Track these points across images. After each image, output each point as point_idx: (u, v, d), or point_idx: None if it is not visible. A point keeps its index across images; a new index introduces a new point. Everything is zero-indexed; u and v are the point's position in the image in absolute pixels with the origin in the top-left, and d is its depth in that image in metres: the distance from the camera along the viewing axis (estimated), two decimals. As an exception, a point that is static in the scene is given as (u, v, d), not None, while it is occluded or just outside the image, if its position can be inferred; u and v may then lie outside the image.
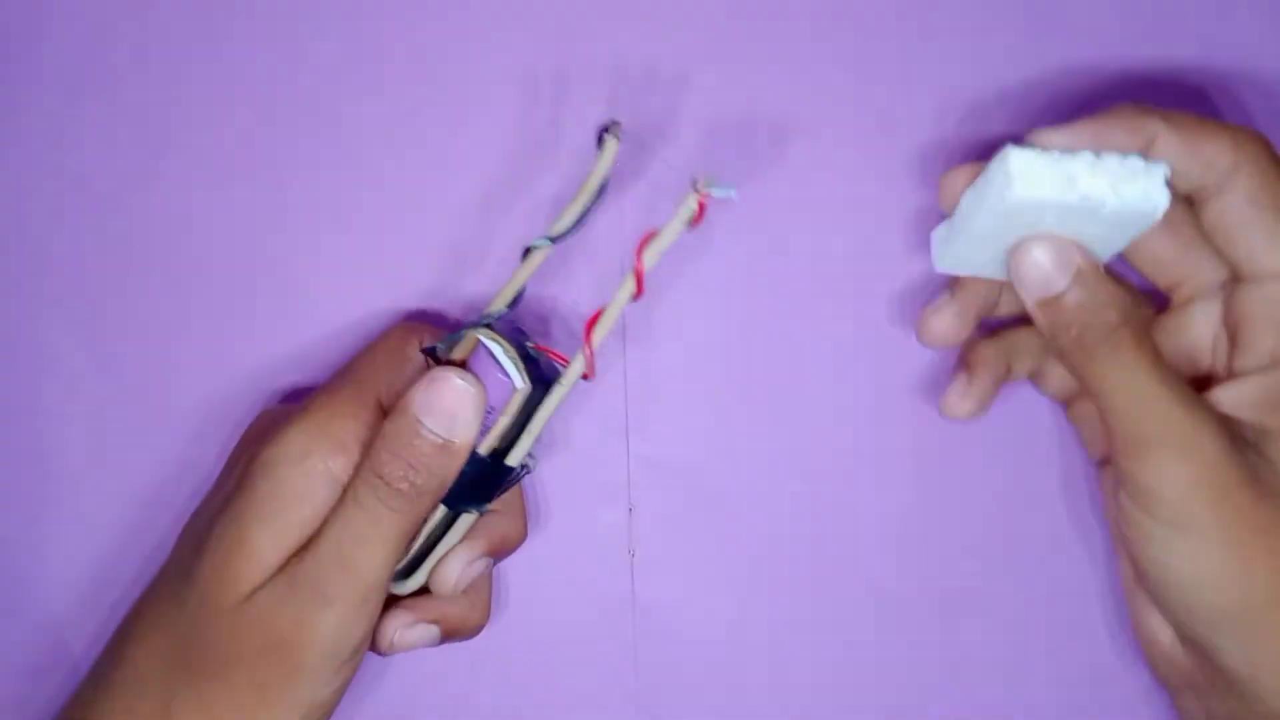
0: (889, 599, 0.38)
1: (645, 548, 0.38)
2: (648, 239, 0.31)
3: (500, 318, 0.33)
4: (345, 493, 0.32)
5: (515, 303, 0.33)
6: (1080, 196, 0.30)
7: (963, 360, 0.36)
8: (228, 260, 0.38)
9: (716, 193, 0.30)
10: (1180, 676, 0.34)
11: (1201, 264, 0.33)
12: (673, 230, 0.31)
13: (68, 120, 0.38)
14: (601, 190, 0.32)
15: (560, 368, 0.33)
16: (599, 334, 0.32)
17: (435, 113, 0.38)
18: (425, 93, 0.38)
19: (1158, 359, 0.31)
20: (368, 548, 0.31)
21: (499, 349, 0.33)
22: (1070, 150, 0.30)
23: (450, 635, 0.35)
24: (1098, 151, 0.30)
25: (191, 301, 0.38)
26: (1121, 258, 0.34)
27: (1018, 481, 0.38)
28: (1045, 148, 0.30)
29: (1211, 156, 0.31)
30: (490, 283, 0.38)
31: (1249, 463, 0.30)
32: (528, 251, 0.33)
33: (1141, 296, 0.35)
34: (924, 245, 0.38)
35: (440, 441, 0.32)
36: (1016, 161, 0.30)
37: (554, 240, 0.32)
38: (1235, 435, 0.31)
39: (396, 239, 0.38)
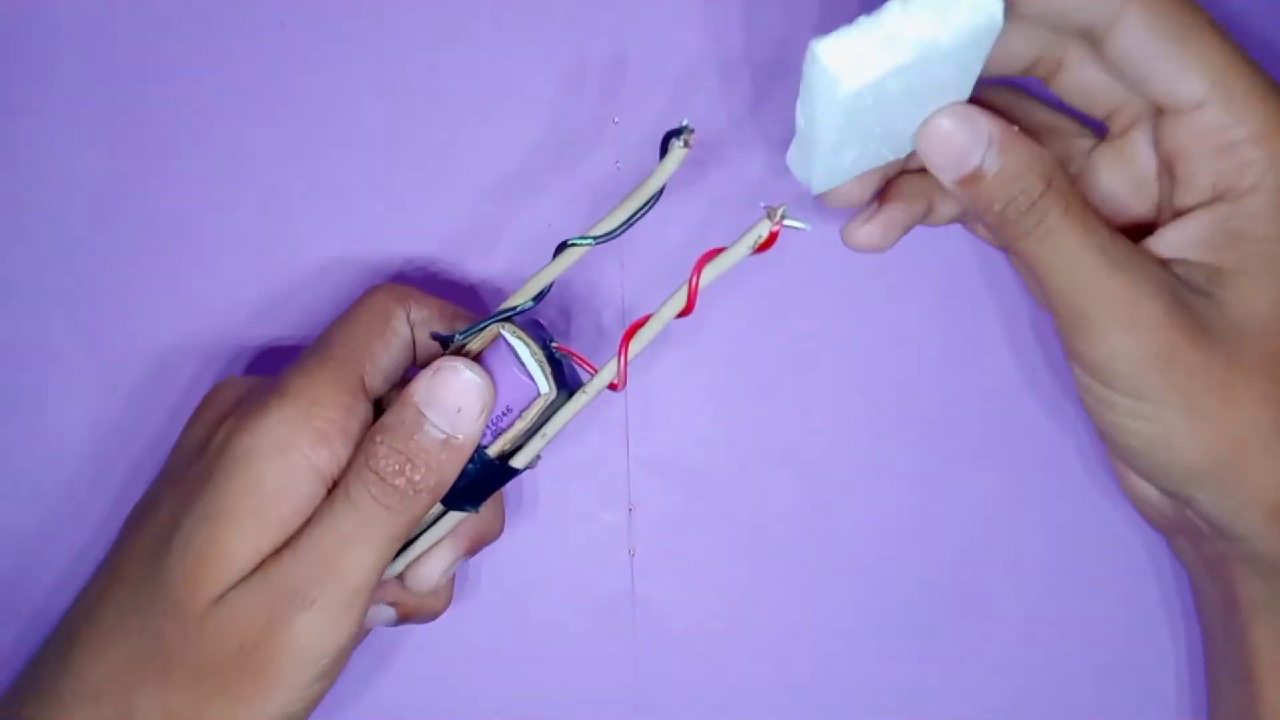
0: (888, 598, 0.38)
1: (645, 548, 0.38)
2: (709, 257, 0.29)
3: (523, 312, 0.31)
4: (335, 488, 0.30)
5: (540, 298, 0.31)
6: (912, 49, 0.27)
7: (880, 191, 0.33)
8: (228, 260, 0.38)
9: (789, 224, 0.28)
10: (1170, 524, 0.35)
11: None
12: (737, 254, 0.29)
13: (68, 120, 0.38)
14: (656, 197, 0.30)
15: (582, 372, 0.31)
16: (637, 345, 0.30)
17: (444, 104, 0.38)
18: (434, 86, 0.38)
19: (1088, 222, 0.29)
20: (356, 549, 0.29)
21: (524, 348, 0.31)
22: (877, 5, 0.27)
23: (407, 619, 0.34)
24: None
25: (193, 300, 0.38)
26: (1052, 92, 0.33)
27: (1018, 481, 0.38)
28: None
29: (1197, 57, 0.29)
30: (459, 271, 0.38)
31: (1196, 314, 0.29)
32: (563, 246, 0.30)
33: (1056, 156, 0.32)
34: (927, 241, 0.38)
35: (443, 437, 0.29)
36: (828, 54, 0.27)
37: (596, 240, 0.30)
38: (1179, 288, 0.29)
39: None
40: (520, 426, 0.31)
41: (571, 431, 0.38)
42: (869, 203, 0.33)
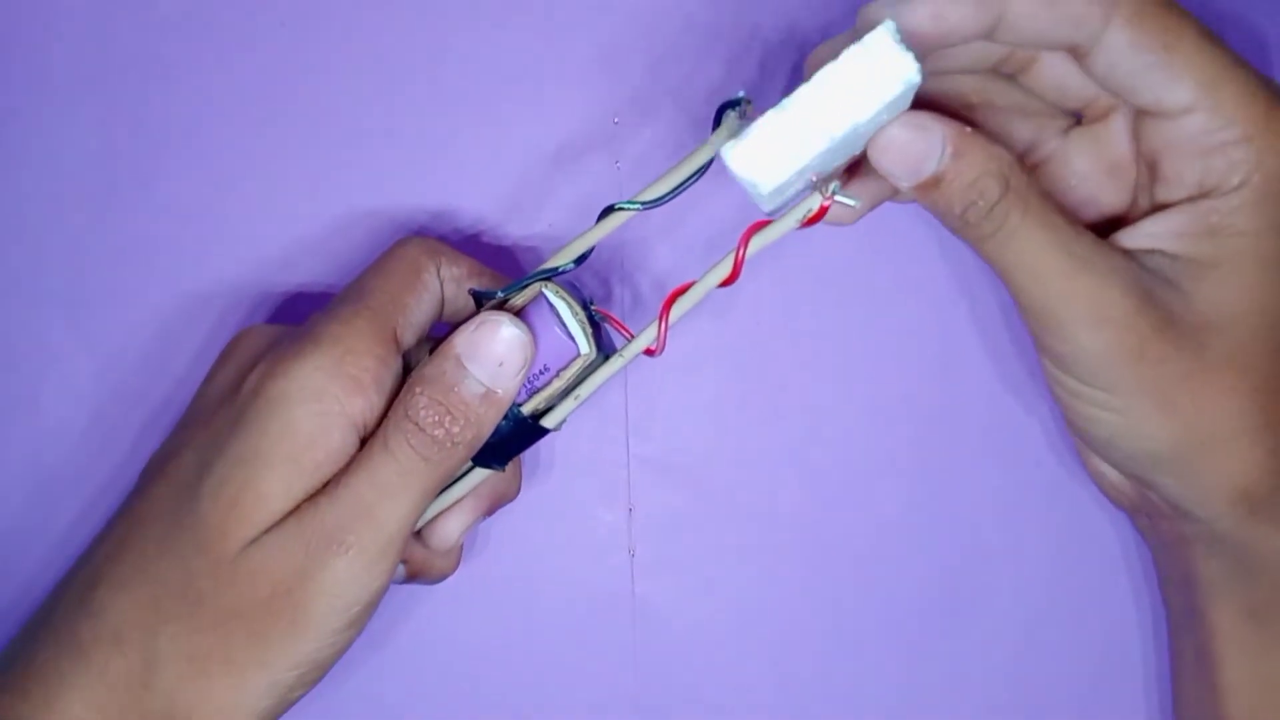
0: (888, 598, 0.38)
1: (645, 548, 0.38)
2: (757, 227, 0.29)
3: (564, 273, 0.30)
4: (374, 438, 0.30)
5: (581, 260, 0.30)
6: (826, 137, 0.26)
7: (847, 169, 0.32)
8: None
9: (840, 199, 0.28)
10: (1132, 504, 0.35)
11: None
12: (785, 225, 0.29)
13: (68, 120, 0.38)
14: (705, 167, 0.29)
15: (617, 336, 0.31)
16: (679, 311, 0.30)
17: (445, 103, 0.38)
18: (434, 84, 0.38)
19: (1049, 220, 0.29)
20: (394, 498, 0.29)
21: (565, 308, 0.30)
22: (786, 95, 0.26)
23: (415, 578, 0.34)
24: (811, 74, 0.26)
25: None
26: (1024, 87, 0.32)
27: (1018, 481, 0.38)
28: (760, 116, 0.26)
29: (1077, 14, 0.28)
30: (483, 257, 0.38)
31: (1165, 307, 0.29)
32: (609, 210, 0.30)
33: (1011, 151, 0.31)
34: (926, 239, 0.38)
35: (484, 390, 0.29)
36: (738, 164, 0.27)
37: (644, 206, 0.29)
38: (1148, 282, 0.29)
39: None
40: (557, 386, 0.31)
41: (572, 431, 0.38)
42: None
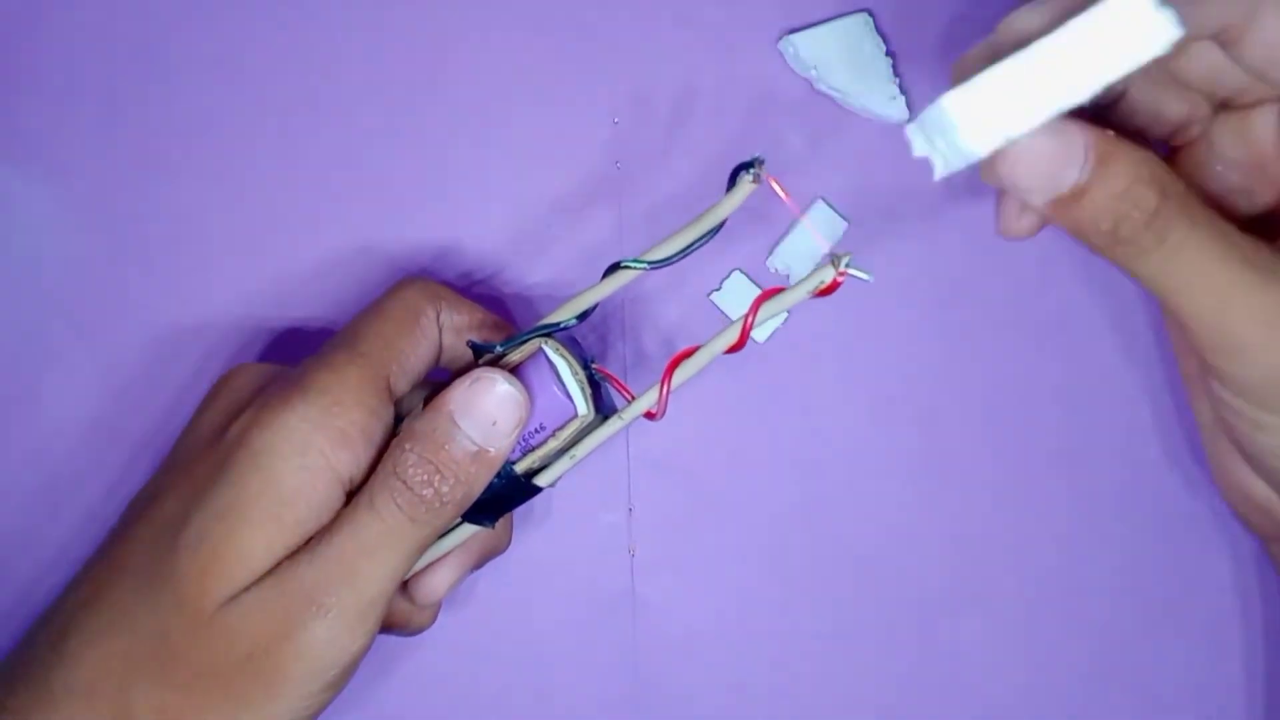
0: (888, 598, 0.38)
1: (645, 548, 0.38)
2: (768, 296, 0.28)
3: (565, 329, 0.30)
4: (360, 494, 0.29)
5: (584, 317, 0.30)
6: (1071, 97, 0.23)
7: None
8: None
9: (854, 273, 0.28)
10: (1275, 527, 0.32)
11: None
12: (796, 296, 0.28)
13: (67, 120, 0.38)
14: (717, 228, 0.29)
15: (616, 396, 0.31)
16: (682, 376, 0.29)
17: (445, 103, 0.38)
18: (435, 86, 0.38)
19: (1221, 230, 0.25)
20: (377, 558, 0.28)
21: (565, 366, 0.30)
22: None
23: (390, 630, 0.33)
24: (960, 78, 0.24)
25: (201, 284, 0.38)
26: (1165, 74, 0.28)
27: (1018, 479, 0.38)
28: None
29: None
30: (480, 257, 0.38)
31: None
32: (615, 268, 0.29)
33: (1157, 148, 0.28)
34: (926, 239, 0.38)
35: (475, 449, 0.28)
36: (959, 116, 0.24)
37: (651, 266, 0.29)
38: None
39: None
40: (552, 446, 0.30)
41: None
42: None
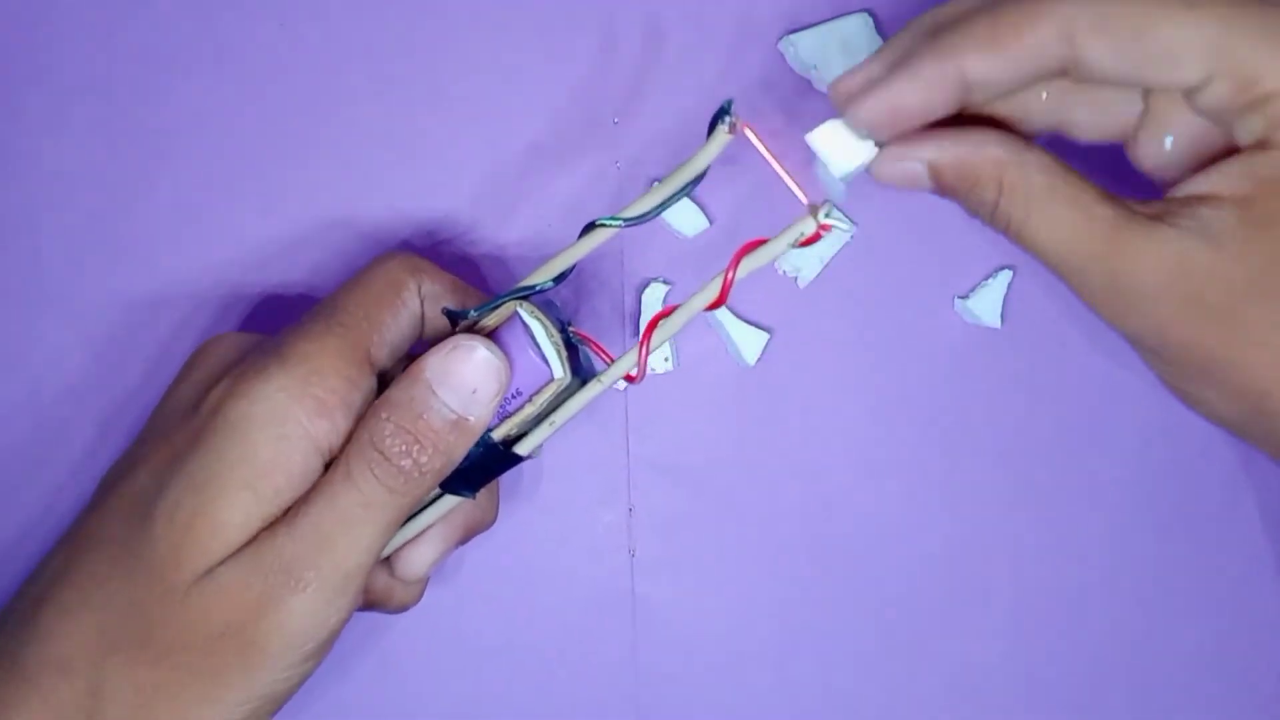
0: (889, 599, 0.38)
1: (645, 548, 0.38)
2: (748, 249, 0.28)
3: (541, 292, 0.29)
4: (336, 465, 0.28)
5: (561, 279, 0.29)
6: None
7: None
8: (230, 258, 0.38)
9: (833, 222, 0.27)
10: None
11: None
12: (778, 248, 0.28)
13: (67, 119, 0.38)
14: (695, 181, 0.28)
15: (596, 360, 0.30)
16: (660, 336, 0.29)
17: (445, 103, 0.38)
18: (434, 84, 0.38)
19: (1070, 197, 0.27)
20: (355, 530, 0.28)
21: (540, 329, 0.29)
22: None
23: (374, 605, 0.32)
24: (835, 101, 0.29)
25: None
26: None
27: (1018, 479, 0.38)
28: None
29: (1037, 54, 0.26)
30: (481, 258, 0.38)
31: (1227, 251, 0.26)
32: (591, 227, 0.29)
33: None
34: (924, 239, 0.38)
35: (454, 417, 0.28)
36: (817, 142, 0.29)
37: (626, 223, 0.28)
38: (1186, 239, 0.27)
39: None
40: (529, 411, 0.30)
41: (571, 431, 0.38)
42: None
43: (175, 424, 0.30)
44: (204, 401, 0.29)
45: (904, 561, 0.38)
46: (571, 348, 0.30)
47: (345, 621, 0.29)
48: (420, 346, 0.32)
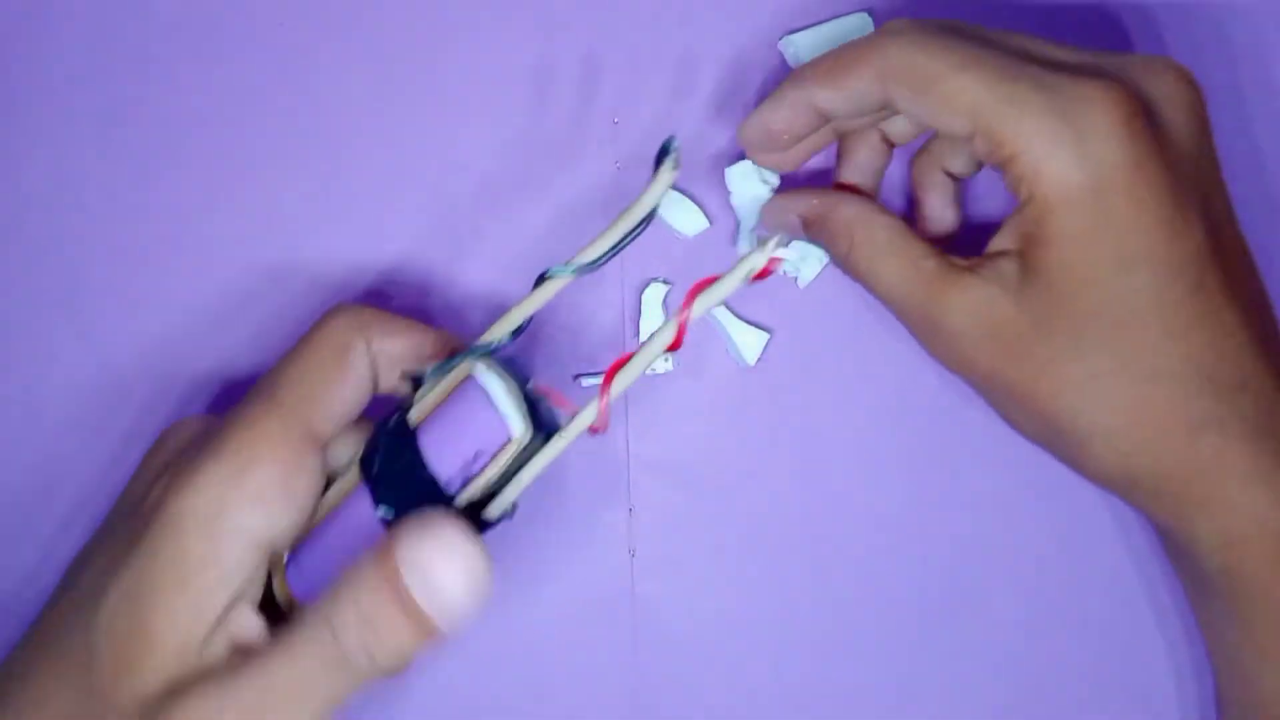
0: (889, 599, 0.38)
1: (645, 548, 0.38)
2: (701, 287, 0.28)
3: (499, 349, 0.28)
4: (281, 632, 0.26)
5: (518, 333, 0.29)
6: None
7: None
8: (229, 260, 0.38)
9: (784, 254, 0.28)
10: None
11: None
12: (730, 285, 0.28)
13: (67, 120, 0.38)
14: (645, 221, 0.27)
15: (560, 414, 0.29)
16: (619, 385, 0.28)
17: (443, 103, 0.39)
18: (433, 84, 0.39)
19: (890, 245, 0.33)
20: (284, 710, 0.26)
21: (499, 387, 0.28)
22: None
23: None
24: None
25: (192, 301, 0.38)
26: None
27: (1017, 480, 0.38)
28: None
29: (858, 91, 0.32)
30: (456, 274, 0.38)
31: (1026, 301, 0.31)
32: (543, 279, 0.28)
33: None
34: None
35: (425, 617, 0.25)
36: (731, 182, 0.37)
37: (577, 272, 0.28)
38: (991, 289, 0.31)
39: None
40: (491, 473, 0.28)
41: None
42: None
43: (124, 518, 0.29)
44: (150, 494, 0.29)
45: (904, 561, 0.38)
46: (532, 403, 0.29)
47: None
48: (376, 405, 0.31)
